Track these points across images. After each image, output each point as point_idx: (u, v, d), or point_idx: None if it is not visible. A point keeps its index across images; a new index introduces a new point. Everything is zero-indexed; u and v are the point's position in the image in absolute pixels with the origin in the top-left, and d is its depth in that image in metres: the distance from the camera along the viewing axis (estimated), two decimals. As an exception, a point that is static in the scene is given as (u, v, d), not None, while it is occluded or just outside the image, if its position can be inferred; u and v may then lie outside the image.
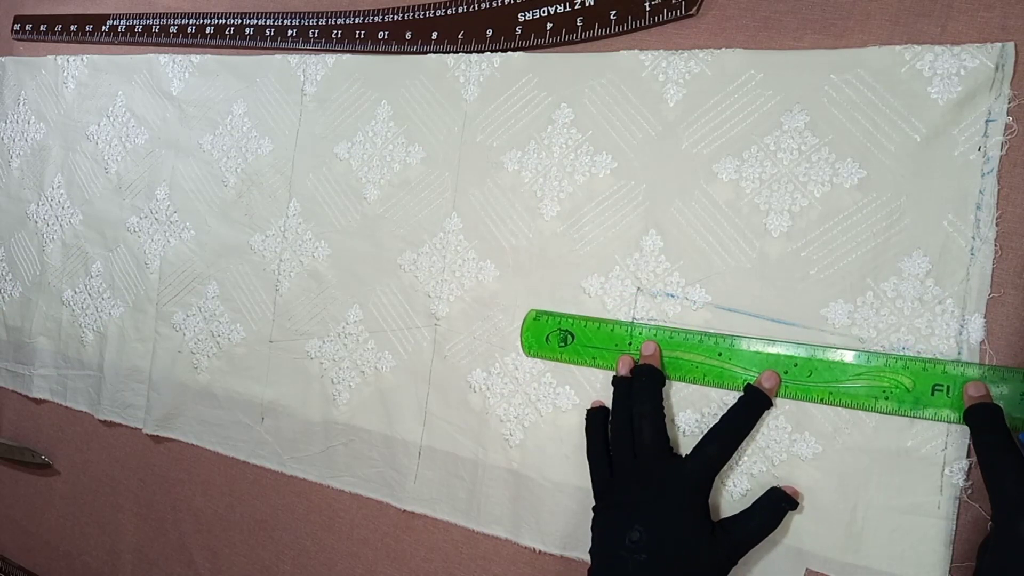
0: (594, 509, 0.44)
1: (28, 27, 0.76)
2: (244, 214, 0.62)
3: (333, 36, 0.59)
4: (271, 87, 0.62)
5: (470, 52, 0.54)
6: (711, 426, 0.43)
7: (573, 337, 0.48)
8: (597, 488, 0.45)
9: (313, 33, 0.60)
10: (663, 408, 0.44)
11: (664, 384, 0.44)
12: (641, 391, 0.44)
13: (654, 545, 0.39)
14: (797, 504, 0.41)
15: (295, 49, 0.61)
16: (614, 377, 0.46)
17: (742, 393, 0.42)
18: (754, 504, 0.42)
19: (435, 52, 0.55)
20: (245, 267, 0.62)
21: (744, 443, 0.43)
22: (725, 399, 0.44)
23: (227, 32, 0.64)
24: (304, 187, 0.60)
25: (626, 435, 0.44)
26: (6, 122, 0.77)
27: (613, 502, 0.43)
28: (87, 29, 0.72)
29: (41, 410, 0.74)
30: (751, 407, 0.42)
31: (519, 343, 0.50)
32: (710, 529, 0.40)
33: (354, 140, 0.58)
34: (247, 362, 0.61)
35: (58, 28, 0.74)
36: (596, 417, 0.46)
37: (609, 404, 0.46)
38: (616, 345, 0.47)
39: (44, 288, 0.73)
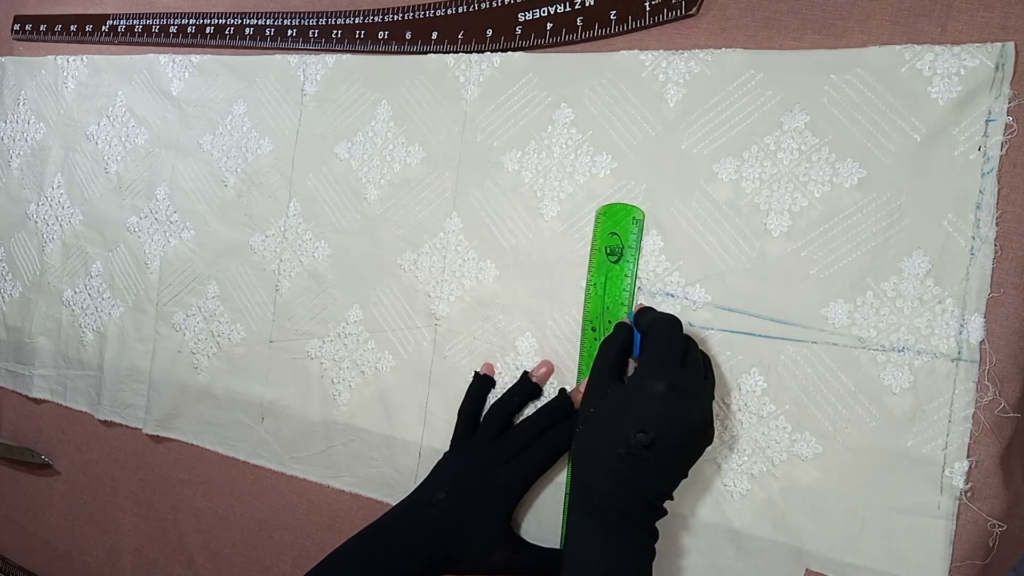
0: (445, 454, 0.49)
1: (28, 27, 0.76)
2: (244, 214, 0.62)
3: (333, 36, 0.59)
4: (271, 87, 0.62)
5: (470, 52, 0.54)
6: (532, 446, 0.46)
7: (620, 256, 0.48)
8: (455, 439, 0.50)
9: (313, 33, 0.60)
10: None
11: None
12: (549, 411, 0.47)
13: (453, 502, 0.45)
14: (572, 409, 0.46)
15: (295, 49, 0.61)
16: (526, 375, 0.49)
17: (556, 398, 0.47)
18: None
19: (435, 52, 0.55)
20: (245, 267, 0.62)
21: (744, 443, 0.43)
22: (725, 399, 0.44)
23: (227, 32, 0.64)
24: (304, 187, 0.60)
25: (503, 420, 0.48)
26: (6, 122, 0.77)
27: (446, 464, 0.49)
28: (87, 29, 0.72)
29: (41, 410, 0.74)
30: (565, 421, 0.46)
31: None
32: (500, 523, 0.45)
33: (354, 140, 0.58)
34: (247, 362, 0.61)
35: (58, 28, 0.74)
36: (484, 384, 0.51)
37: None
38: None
39: (44, 288, 0.73)
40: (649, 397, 0.38)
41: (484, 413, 0.50)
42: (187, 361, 0.64)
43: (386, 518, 0.47)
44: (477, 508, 0.45)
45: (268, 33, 0.62)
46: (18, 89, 0.76)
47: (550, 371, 0.49)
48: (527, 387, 0.49)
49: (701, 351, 0.43)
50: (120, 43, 0.71)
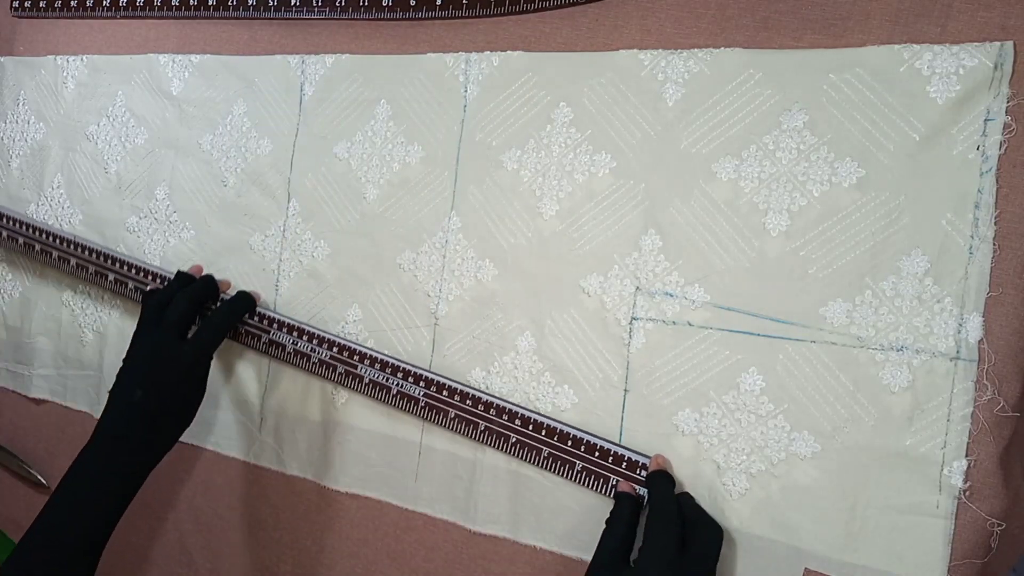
0: (123, 360, 0.53)
1: (27, 3, 0.76)
2: (244, 214, 0.62)
3: (336, 4, 0.58)
4: (271, 87, 0.62)
5: (477, 16, 0.53)
6: (210, 314, 0.56)
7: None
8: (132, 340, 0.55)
9: (317, 2, 0.59)
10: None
11: (215, 301, 0.58)
12: (194, 291, 0.56)
13: (151, 396, 0.51)
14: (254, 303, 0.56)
15: (298, 19, 0.60)
16: (180, 272, 0.58)
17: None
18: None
19: (440, 18, 0.54)
20: (245, 267, 0.62)
21: (743, 442, 0.43)
22: (724, 398, 0.44)
23: (229, 3, 0.63)
24: (303, 187, 0.60)
25: (161, 312, 0.54)
26: (6, 122, 0.77)
27: (129, 364, 0.53)
28: (87, 4, 0.72)
29: (41, 410, 0.74)
30: (240, 303, 0.56)
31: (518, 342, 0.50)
32: (197, 389, 0.54)
33: (353, 140, 0.58)
34: (247, 362, 0.61)
35: (58, 4, 0.74)
36: (158, 301, 0.56)
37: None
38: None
39: (44, 288, 0.73)
40: None
41: (143, 307, 0.56)
42: (187, 361, 0.64)
43: (93, 443, 0.51)
44: (172, 386, 0.52)
45: (271, 3, 0.61)
46: (18, 89, 0.76)
47: (200, 268, 0.60)
48: (183, 279, 0.57)
49: (697, 509, 0.43)
50: (122, 17, 0.70)
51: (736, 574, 0.43)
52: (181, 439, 0.64)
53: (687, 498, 0.44)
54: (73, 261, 0.66)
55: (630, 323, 0.47)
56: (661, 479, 0.43)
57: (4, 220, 0.70)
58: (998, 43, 0.39)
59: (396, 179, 0.56)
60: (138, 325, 0.55)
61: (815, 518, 0.41)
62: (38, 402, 0.74)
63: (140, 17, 0.69)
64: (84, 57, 0.72)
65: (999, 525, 0.38)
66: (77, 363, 0.71)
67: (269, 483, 0.60)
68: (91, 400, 0.69)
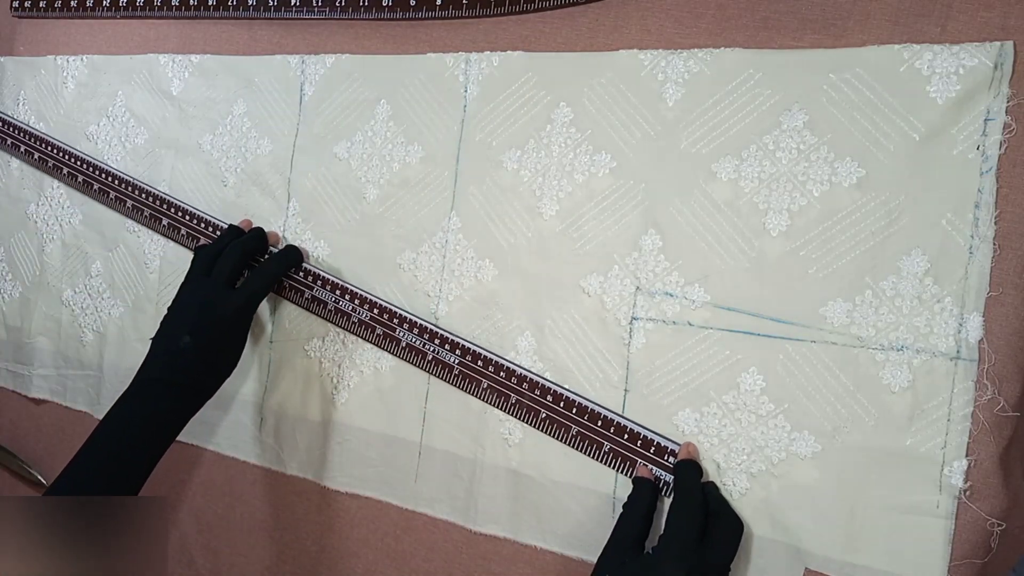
0: (169, 307, 0.54)
1: (27, 3, 0.76)
2: (244, 214, 0.62)
3: (336, 4, 0.58)
4: (271, 87, 0.62)
5: (477, 16, 0.53)
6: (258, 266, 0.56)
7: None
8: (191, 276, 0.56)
9: (317, 2, 0.59)
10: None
11: (263, 254, 0.58)
12: (243, 243, 0.57)
13: (198, 343, 0.52)
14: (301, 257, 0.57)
15: (298, 19, 0.60)
16: (231, 225, 0.59)
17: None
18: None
19: (440, 18, 0.54)
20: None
21: (743, 442, 0.43)
22: (724, 398, 0.44)
23: (229, 3, 0.63)
24: (303, 187, 0.60)
25: (212, 263, 0.55)
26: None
27: (176, 310, 0.54)
28: (87, 4, 0.72)
29: (41, 410, 0.74)
30: (286, 257, 0.57)
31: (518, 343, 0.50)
32: (242, 339, 0.55)
33: (353, 140, 0.58)
34: (247, 362, 0.61)
35: (58, 4, 0.74)
36: (236, 232, 0.59)
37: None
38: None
39: (44, 288, 0.73)
40: None
41: (193, 258, 0.56)
42: (187, 361, 0.64)
43: (137, 387, 0.51)
44: (218, 334, 0.53)
45: (271, 3, 0.61)
46: (18, 89, 0.76)
47: (249, 223, 0.60)
48: (233, 232, 0.58)
49: (721, 500, 0.43)
50: (123, 17, 0.70)
51: (736, 574, 0.43)
52: (180, 439, 0.64)
53: (712, 488, 0.43)
54: (129, 203, 0.67)
55: (630, 323, 0.47)
56: (689, 468, 0.43)
57: (67, 157, 0.71)
58: (998, 43, 0.39)
59: (396, 179, 0.56)
60: (187, 276, 0.56)
61: (815, 518, 0.41)
62: (38, 402, 0.74)
63: (140, 17, 0.69)
64: (84, 57, 0.72)
65: (999, 525, 0.38)
66: (77, 363, 0.71)
67: (269, 483, 0.60)
68: (91, 400, 0.69)
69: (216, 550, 0.63)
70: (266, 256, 0.58)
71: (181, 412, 0.51)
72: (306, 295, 0.57)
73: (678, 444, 0.45)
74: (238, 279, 0.56)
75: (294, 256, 0.57)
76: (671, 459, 0.45)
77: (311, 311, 0.58)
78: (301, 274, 0.58)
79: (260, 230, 0.59)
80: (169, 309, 0.54)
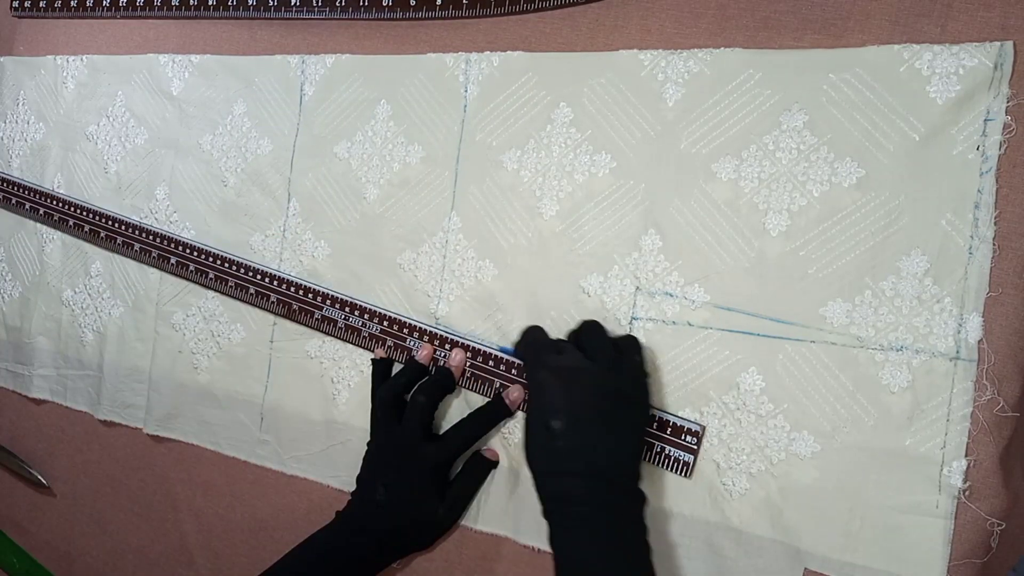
0: (368, 444, 0.52)
1: (27, 3, 0.76)
2: (244, 214, 0.62)
3: (336, 4, 0.58)
4: (271, 87, 0.62)
5: (477, 16, 0.53)
6: (459, 420, 0.50)
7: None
8: (379, 426, 0.52)
9: (317, 2, 0.59)
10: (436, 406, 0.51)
11: (451, 392, 0.52)
12: (432, 386, 0.50)
13: (393, 498, 0.49)
14: (497, 463, 0.50)
15: (298, 19, 0.60)
16: (411, 357, 0.53)
17: (491, 399, 0.50)
18: (462, 470, 0.51)
19: (440, 18, 0.54)
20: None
21: (743, 442, 0.43)
22: (724, 398, 0.44)
23: (229, 3, 0.63)
24: (304, 187, 0.60)
25: (399, 402, 0.51)
26: (6, 122, 0.77)
27: (374, 457, 0.52)
28: (87, 4, 0.72)
29: (41, 410, 0.74)
30: (493, 415, 0.49)
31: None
32: (439, 497, 0.49)
33: (353, 140, 0.58)
34: (247, 362, 0.61)
35: (58, 4, 0.74)
36: (384, 367, 0.54)
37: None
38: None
39: (44, 288, 0.73)
40: (538, 388, 0.43)
41: (377, 399, 0.53)
42: (187, 361, 0.64)
43: (336, 526, 0.51)
44: (414, 492, 0.49)
45: (271, 3, 0.61)
46: (17, 89, 0.76)
47: (431, 353, 0.52)
48: (415, 368, 0.52)
49: (629, 338, 0.46)
50: (123, 17, 0.70)
51: (736, 574, 0.43)
52: (180, 439, 0.64)
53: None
54: (137, 246, 0.67)
55: (630, 323, 0.47)
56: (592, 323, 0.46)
57: (70, 208, 0.71)
58: (998, 43, 0.39)
59: (396, 179, 0.56)
60: (377, 415, 0.52)
61: (815, 518, 0.42)
62: (38, 402, 0.74)
63: (140, 17, 0.69)
64: (84, 57, 0.72)
65: (999, 525, 0.38)
66: (77, 363, 0.71)
67: (269, 483, 0.60)
68: (91, 400, 0.69)
69: (216, 550, 0.63)
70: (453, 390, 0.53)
71: (371, 564, 0.51)
72: (315, 316, 0.57)
73: (696, 424, 0.45)
74: (430, 424, 0.52)
75: (502, 411, 0.50)
76: (688, 438, 0.45)
77: (322, 331, 0.57)
78: (310, 295, 0.57)
79: (446, 370, 0.51)
80: (368, 446, 0.53)
